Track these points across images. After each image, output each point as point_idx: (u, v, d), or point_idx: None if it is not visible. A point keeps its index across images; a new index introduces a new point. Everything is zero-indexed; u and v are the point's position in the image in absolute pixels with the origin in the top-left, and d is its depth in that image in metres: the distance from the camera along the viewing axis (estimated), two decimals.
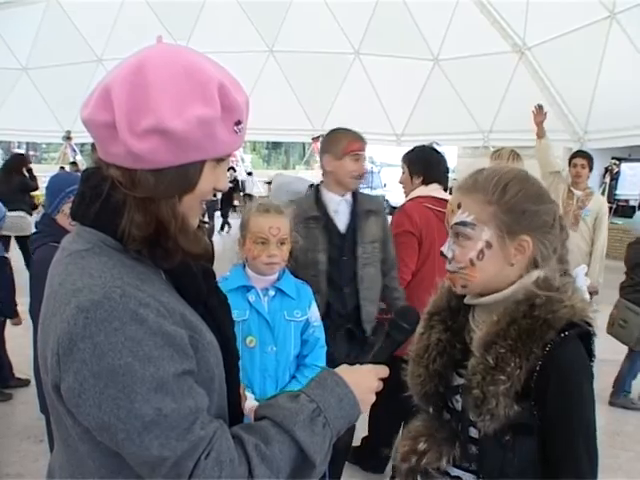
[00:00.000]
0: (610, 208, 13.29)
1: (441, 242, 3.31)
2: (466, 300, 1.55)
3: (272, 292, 2.54)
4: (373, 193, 28.37)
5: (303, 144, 33.38)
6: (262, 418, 1.18)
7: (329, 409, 1.19)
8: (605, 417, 5.23)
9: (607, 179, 17.88)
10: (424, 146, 3.75)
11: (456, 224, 1.47)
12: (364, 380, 1.29)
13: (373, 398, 1.30)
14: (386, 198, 30.03)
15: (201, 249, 1.19)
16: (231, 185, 17.60)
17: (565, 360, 1.35)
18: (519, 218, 1.42)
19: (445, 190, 3.61)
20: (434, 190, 3.49)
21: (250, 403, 2.17)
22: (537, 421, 1.36)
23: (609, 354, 6.45)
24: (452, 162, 36.39)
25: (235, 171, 22.12)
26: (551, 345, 1.35)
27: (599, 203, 5.63)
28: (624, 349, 5.55)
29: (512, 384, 1.35)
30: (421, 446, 1.51)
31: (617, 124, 14.30)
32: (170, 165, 1.10)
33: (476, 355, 1.41)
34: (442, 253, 1.51)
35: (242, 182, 23.23)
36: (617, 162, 18.07)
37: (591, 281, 5.01)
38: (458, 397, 1.51)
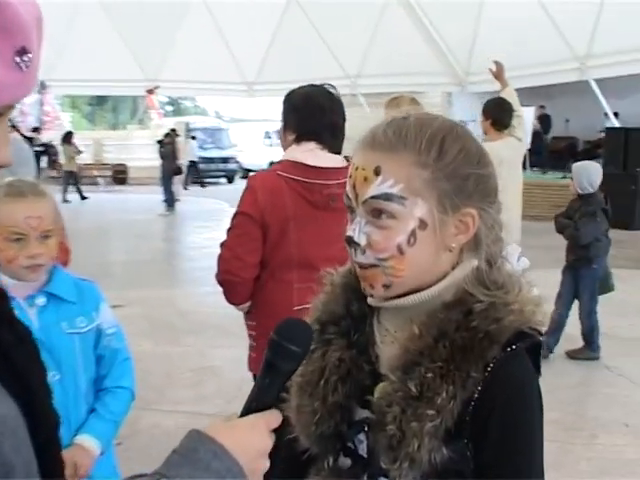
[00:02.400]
0: None
1: (302, 227, 2.94)
2: (372, 301, 1.34)
3: (42, 300, 2.31)
4: (223, 154, 28.05)
5: (135, 98, 32.25)
6: None
7: None
8: None
9: None
10: (313, 86, 3.14)
11: (375, 197, 1.24)
12: (252, 440, 1.06)
13: (266, 464, 1.07)
14: (237, 160, 29.80)
15: None
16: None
17: (512, 383, 1.21)
18: (462, 185, 1.25)
19: (337, 152, 3.02)
20: (306, 152, 2.95)
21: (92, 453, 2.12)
22: (470, 464, 1.21)
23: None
24: None
25: (40, 132, 21.01)
26: (494, 364, 1.19)
27: None
28: None
29: (442, 420, 1.17)
30: None
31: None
32: None
33: (391, 379, 1.23)
34: (350, 240, 1.28)
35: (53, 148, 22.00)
36: None
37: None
38: (362, 436, 1.34)
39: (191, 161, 23.52)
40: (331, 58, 18.11)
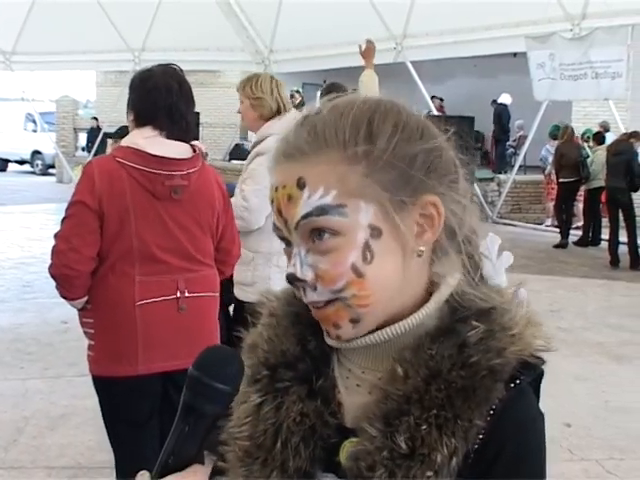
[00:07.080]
0: None
1: (142, 217, 3.19)
2: (334, 343, 1.21)
3: None
4: None
5: None
6: None
7: None
8: None
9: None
10: (160, 66, 3.40)
11: (307, 216, 1.12)
12: None
13: None
14: None
15: None
16: None
17: (520, 428, 1.14)
18: (409, 169, 1.13)
19: (180, 139, 3.29)
20: (148, 138, 3.23)
21: None
22: None
23: None
24: (88, 94, 35.45)
25: None
26: (496, 406, 1.12)
27: None
28: None
29: None
30: None
31: (308, 41, 15.01)
32: None
33: (370, 433, 1.12)
34: (292, 278, 1.15)
35: None
36: (300, 90, 19.11)
37: None
38: None
39: None
40: (110, 28, 17.40)
